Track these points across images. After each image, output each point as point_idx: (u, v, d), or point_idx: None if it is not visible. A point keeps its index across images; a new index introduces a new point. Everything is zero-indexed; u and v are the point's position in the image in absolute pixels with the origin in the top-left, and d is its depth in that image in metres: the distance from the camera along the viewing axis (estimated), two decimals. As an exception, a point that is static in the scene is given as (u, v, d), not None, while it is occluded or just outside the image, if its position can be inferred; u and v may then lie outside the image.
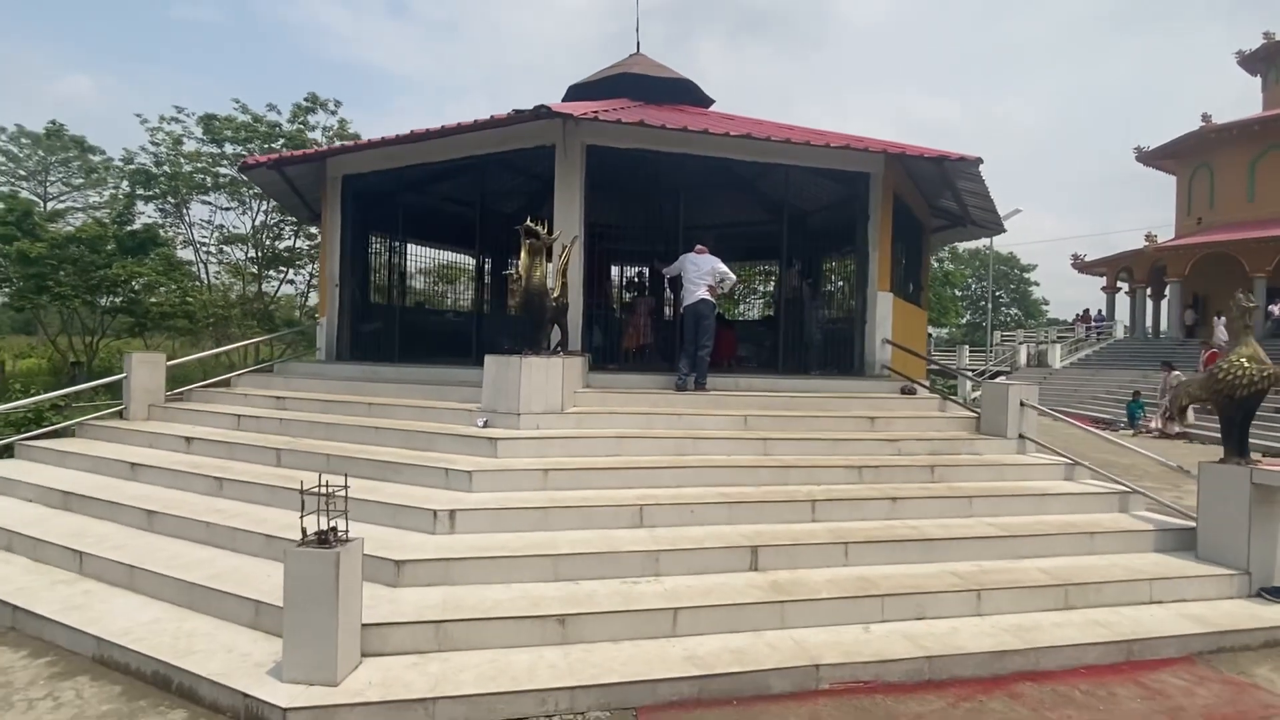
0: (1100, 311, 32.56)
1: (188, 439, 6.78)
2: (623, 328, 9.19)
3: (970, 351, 33.29)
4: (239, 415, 7.24)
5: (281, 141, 23.31)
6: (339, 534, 3.65)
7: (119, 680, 3.70)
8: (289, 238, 25.49)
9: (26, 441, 7.28)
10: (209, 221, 26.55)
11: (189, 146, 24.50)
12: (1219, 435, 5.66)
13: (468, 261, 11.76)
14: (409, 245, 10.55)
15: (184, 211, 26.74)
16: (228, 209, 26.43)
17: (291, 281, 27.16)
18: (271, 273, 26.59)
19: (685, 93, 11.30)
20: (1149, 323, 30.68)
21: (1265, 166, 25.73)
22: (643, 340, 9.49)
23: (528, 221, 6.15)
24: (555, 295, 6.66)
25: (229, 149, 23.77)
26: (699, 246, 7.61)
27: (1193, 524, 5.45)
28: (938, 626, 4.26)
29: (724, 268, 7.44)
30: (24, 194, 28.66)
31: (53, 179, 35.05)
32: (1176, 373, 16.38)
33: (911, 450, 6.59)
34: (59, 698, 3.52)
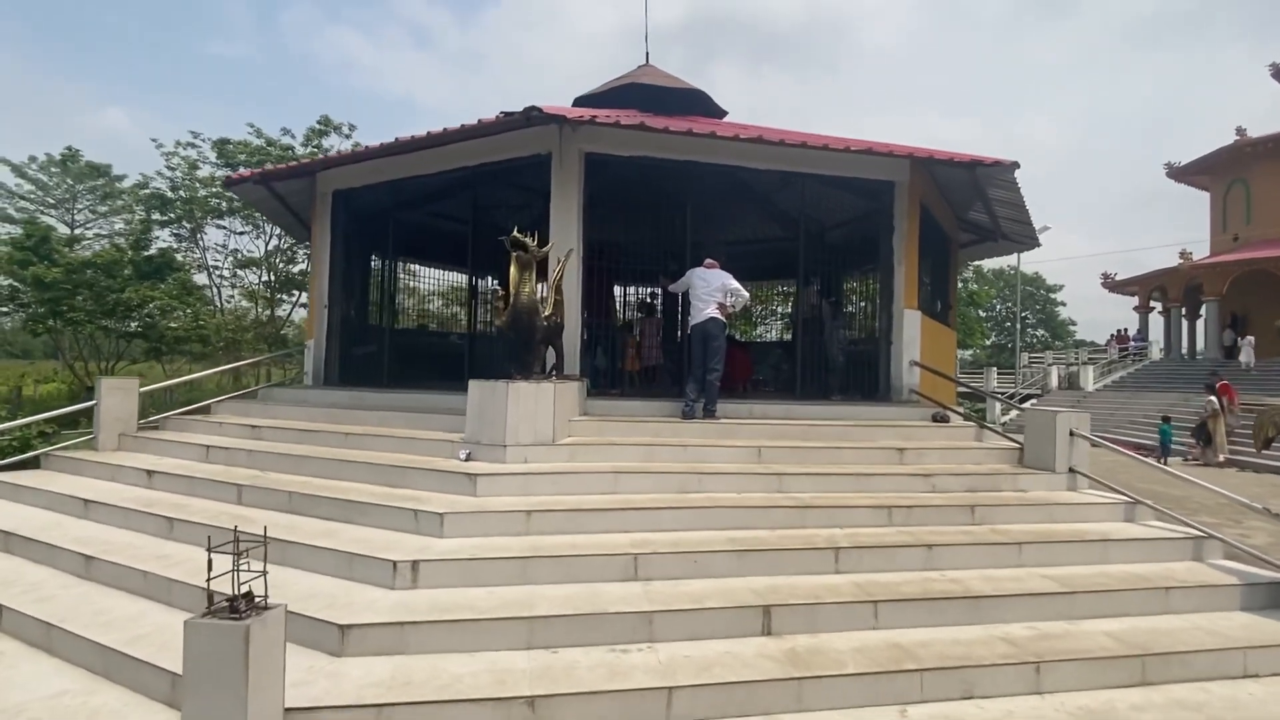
0: (1136, 331, 31.31)
1: (149, 472, 6.22)
2: (623, 349, 8.55)
3: (998, 374, 32.18)
4: (208, 446, 6.67)
5: (295, 165, 23.19)
6: (255, 600, 3.00)
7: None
8: (302, 261, 25.35)
9: (-19, 474, 6.76)
10: (223, 246, 26.56)
11: (204, 171, 24.53)
12: (1271, 464, 4.84)
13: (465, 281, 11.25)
14: (406, 264, 10.05)
15: (199, 236, 26.80)
16: (242, 233, 26.47)
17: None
18: (284, 296, 26.49)
19: (696, 103, 10.75)
20: (1184, 343, 29.45)
21: (1305, 180, 24.68)
22: (647, 362, 8.83)
23: (515, 232, 5.56)
24: (547, 313, 6.05)
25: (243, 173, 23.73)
26: (709, 261, 6.98)
27: (1285, 577, 4.64)
28: (990, 709, 3.51)
29: (736, 284, 6.80)
30: (52, 221, 28.95)
31: (80, 207, 35.54)
32: (1210, 399, 15.31)
33: (947, 487, 5.84)
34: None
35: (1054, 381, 28.65)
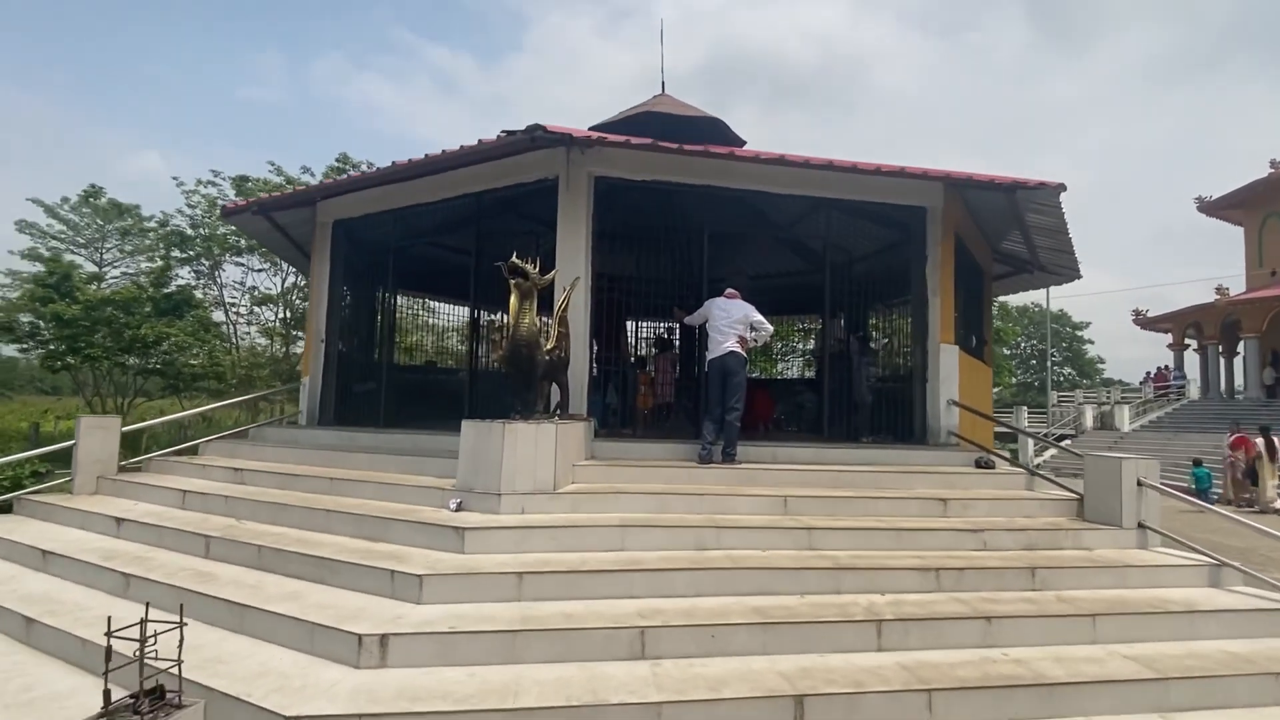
0: (1174, 369, 30.09)
1: (119, 520, 5.70)
2: (636, 385, 7.98)
3: (1029, 412, 31.06)
4: (185, 491, 6.15)
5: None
6: (166, 696, 2.42)
7: None
8: (316, 298, 25.19)
9: (-54, 520, 6.29)
10: (240, 283, 26.58)
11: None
12: None
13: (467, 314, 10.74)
14: (409, 297, 9.62)
15: (217, 273, 26.86)
16: (260, 270, 26.48)
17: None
18: (300, 333, 26.34)
19: (714, 132, 10.32)
20: (1222, 381, 28.25)
21: (1345, 213, 23.80)
22: (661, 400, 8.24)
23: (513, 258, 5.06)
24: (550, 347, 5.51)
25: (261, 210, 23.79)
26: (729, 291, 6.44)
27: None
28: (1083, 838, 2.81)
29: (759, 315, 6.24)
30: (80, 260, 29.25)
31: (108, 246, 36.04)
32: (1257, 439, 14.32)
33: (1001, 544, 5.14)
34: None
35: (1088, 421, 27.55)
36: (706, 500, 5.39)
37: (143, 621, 2.42)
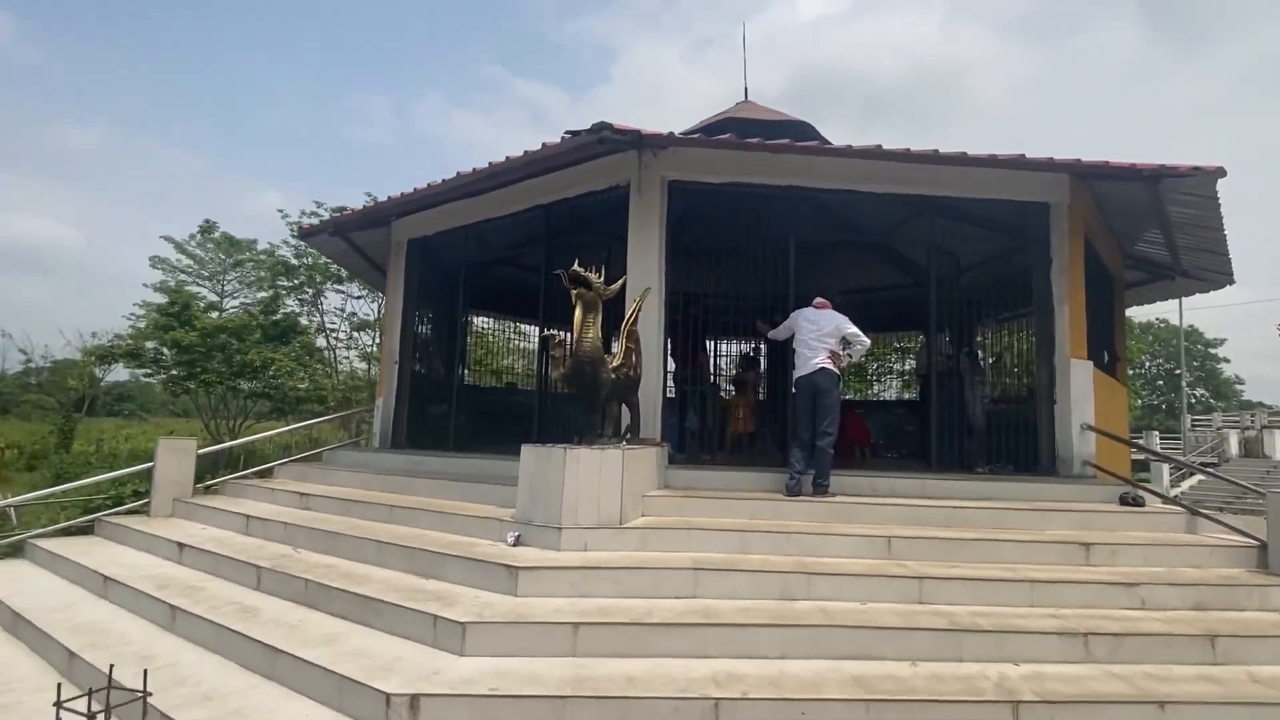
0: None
1: (181, 546, 5.57)
2: (731, 409, 7.34)
3: (1160, 438, 28.11)
4: (249, 517, 5.99)
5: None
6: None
7: None
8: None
9: (34, 539, 6.39)
10: (340, 310, 27.76)
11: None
12: None
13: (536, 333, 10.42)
14: (480, 317, 9.40)
15: (320, 300, 28.19)
16: (358, 297, 27.61)
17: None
18: (393, 356, 27.13)
19: (802, 137, 9.66)
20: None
21: None
22: (743, 426, 7.56)
23: (575, 266, 4.60)
24: (616, 364, 5.00)
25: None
26: (819, 300, 5.76)
27: None
28: None
29: (853, 327, 5.53)
30: (204, 292, 31.51)
31: (229, 278, 38.80)
32: None
33: (1163, 602, 4.18)
34: None
35: (1232, 448, 24.58)
36: (795, 540, 4.69)
37: (106, 688, 2.02)
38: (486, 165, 6.09)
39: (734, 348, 11.32)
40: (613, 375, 4.91)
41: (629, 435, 5.51)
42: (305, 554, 5.14)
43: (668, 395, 6.41)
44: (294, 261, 26.88)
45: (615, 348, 5.33)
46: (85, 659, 3.93)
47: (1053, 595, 4.18)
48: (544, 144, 5.60)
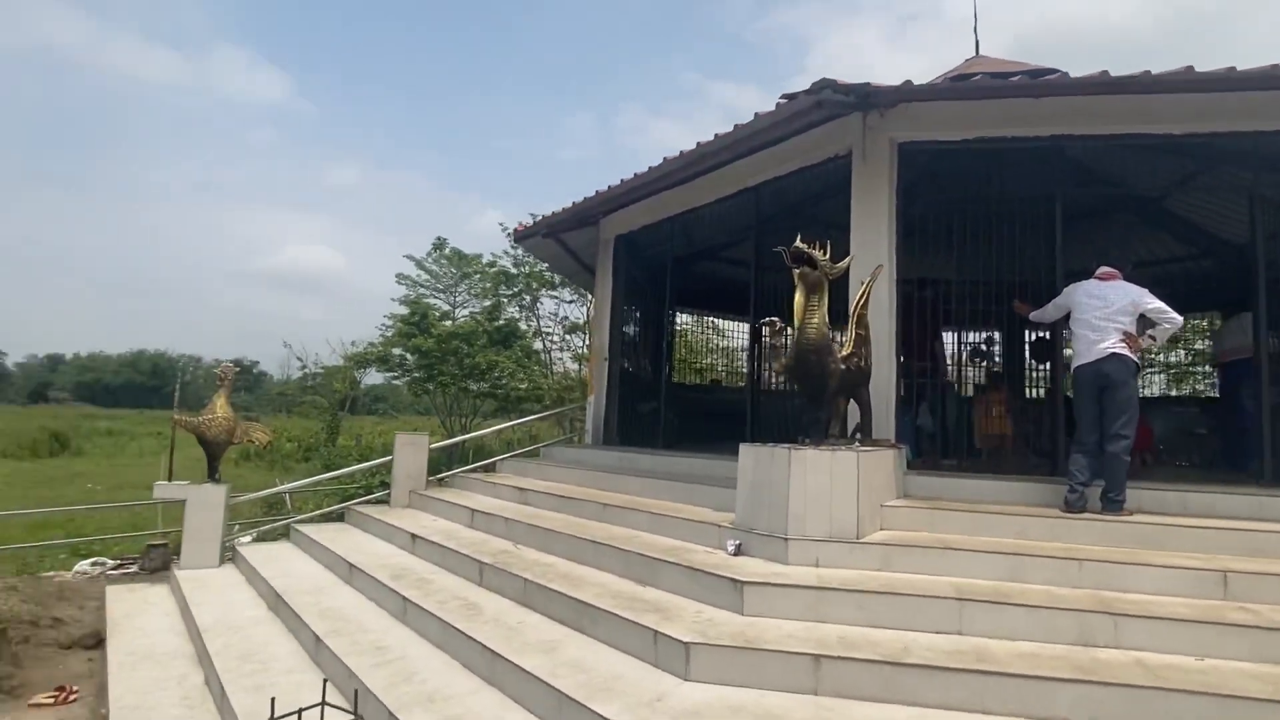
0: None
1: (414, 536, 5.87)
2: (985, 406, 6.32)
3: None
4: (473, 510, 6.19)
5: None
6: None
7: None
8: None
9: (298, 524, 7.15)
10: (554, 314, 29.51)
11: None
12: None
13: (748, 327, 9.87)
14: (689, 314, 9.13)
15: (536, 306, 30.21)
16: (570, 301, 29.20)
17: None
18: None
19: (1049, 86, 8.21)
20: None
21: None
22: (1001, 428, 6.42)
23: (797, 242, 4.05)
24: (846, 353, 4.37)
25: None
26: (1104, 270, 4.64)
27: None
28: None
29: (1157, 302, 4.37)
30: (439, 303, 35.48)
31: (460, 289, 43.28)
32: None
33: None
34: None
35: None
36: (1086, 569, 3.73)
37: (320, 705, 1.88)
38: (695, 146, 5.73)
39: (970, 336, 9.97)
40: (842, 366, 4.28)
41: (858, 436, 4.83)
42: (524, 550, 5.14)
43: (899, 391, 5.58)
44: (513, 270, 29.08)
45: (842, 336, 4.69)
46: (329, 645, 4.12)
47: None
48: (756, 114, 5.09)
